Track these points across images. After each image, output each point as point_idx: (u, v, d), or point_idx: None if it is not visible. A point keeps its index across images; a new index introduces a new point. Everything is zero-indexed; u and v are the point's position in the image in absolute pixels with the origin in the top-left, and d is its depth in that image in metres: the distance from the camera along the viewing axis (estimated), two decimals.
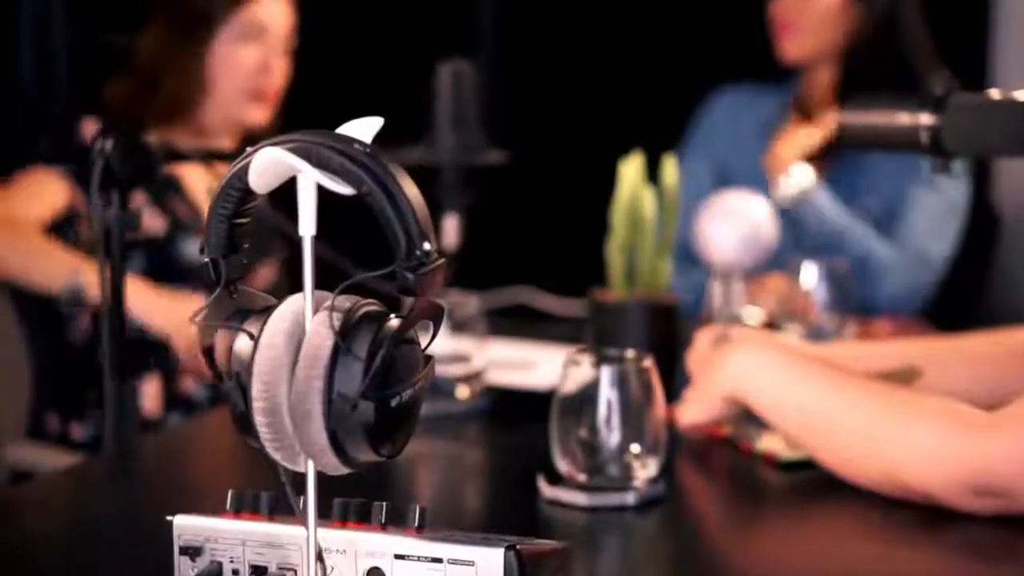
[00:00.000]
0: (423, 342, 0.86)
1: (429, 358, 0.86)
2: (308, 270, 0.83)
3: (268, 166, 0.81)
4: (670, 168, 1.65)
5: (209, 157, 1.46)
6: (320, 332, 0.81)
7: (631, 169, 1.62)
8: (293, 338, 0.82)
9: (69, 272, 1.95)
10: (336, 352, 0.81)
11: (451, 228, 1.73)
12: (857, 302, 1.98)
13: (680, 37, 3.01)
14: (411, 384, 0.83)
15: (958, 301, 2.36)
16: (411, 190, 0.81)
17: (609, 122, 2.94)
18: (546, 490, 1.21)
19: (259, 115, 2.22)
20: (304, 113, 2.19)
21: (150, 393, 2.19)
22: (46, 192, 2.14)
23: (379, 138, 0.83)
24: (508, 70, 3.12)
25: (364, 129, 0.86)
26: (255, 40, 2.19)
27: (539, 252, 2.83)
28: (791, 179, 2.25)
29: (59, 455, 2.13)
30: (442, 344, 1.56)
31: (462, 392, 1.56)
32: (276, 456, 0.83)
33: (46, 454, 2.13)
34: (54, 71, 2.76)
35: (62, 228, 2.15)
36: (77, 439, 2.22)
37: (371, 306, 0.84)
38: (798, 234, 2.32)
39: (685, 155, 2.49)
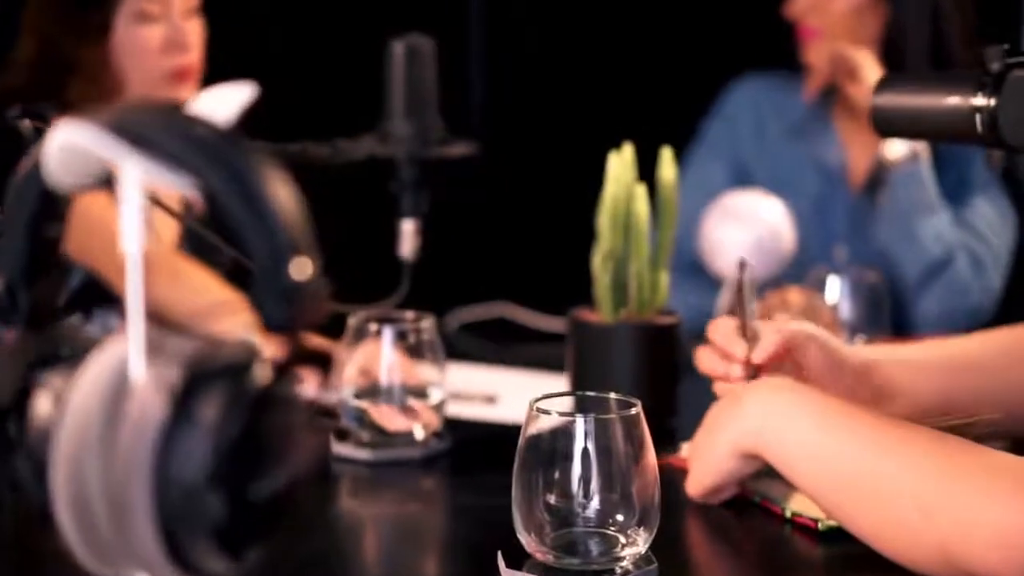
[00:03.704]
0: (305, 399, 0.63)
1: (314, 426, 0.64)
2: (133, 299, 0.60)
3: (71, 156, 0.59)
4: (667, 161, 1.43)
5: None
6: (151, 391, 0.59)
7: (620, 162, 1.40)
8: (114, 399, 0.60)
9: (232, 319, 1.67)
10: (174, 420, 0.58)
11: (408, 233, 1.51)
12: (890, 319, 1.77)
13: (686, 17, 2.79)
14: (282, 465, 0.60)
15: (1000, 320, 2.14)
16: (278, 188, 0.59)
17: (600, 109, 2.72)
18: (505, 574, 0.98)
19: (183, 97, 1.98)
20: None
21: None
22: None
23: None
24: (484, 47, 2.90)
25: (224, 102, 0.63)
26: (158, 14, 1.94)
27: (516, 261, 2.61)
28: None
29: None
30: (395, 374, 1.34)
31: (417, 432, 1.34)
32: (88, 564, 0.61)
33: None
34: None
35: None
36: None
37: (234, 349, 0.62)
38: (860, 231, 2.12)
39: (699, 153, 2.27)
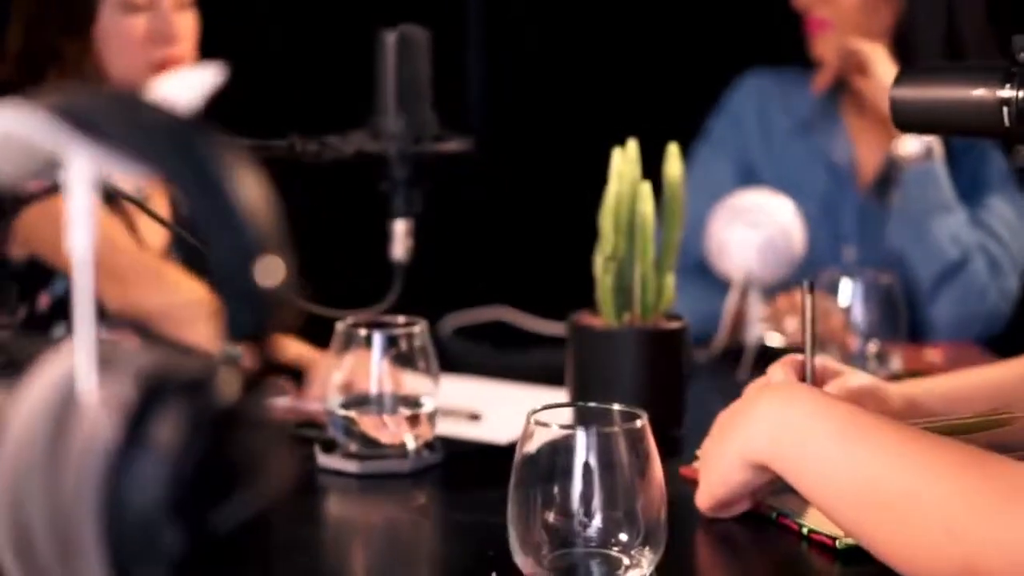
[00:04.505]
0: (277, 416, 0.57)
1: (289, 445, 0.58)
2: (82, 305, 0.54)
3: (12, 145, 0.53)
4: (674, 156, 1.37)
5: None
6: (101, 409, 0.53)
7: (624, 159, 1.34)
8: (60, 418, 0.54)
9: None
10: (127, 442, 0.53)
11: (400, 234, 1.45)
12: (906, 324, 1.71)
13: (692, 9, 2.74)
14: (250, 491, 0.55)
15: (1016, 324, 2.08)
16: (244, 180, 0.53)
17: (603, 104, 2.67)
18: None
19: None
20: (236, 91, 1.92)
21: None
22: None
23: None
24: (483, 39, 2.85)
25: (186, 87, 0.58)
26: (144, 4, 1.88)
27: (514, 263, 2.56)
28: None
29: None
30: (385, 383, 1.29)
31: (410, 443, 1.28)
32: None
33: None
34: None
35: None
36: None
37: (196, 362, 0.56)
38: (873, 231, 2.07)
39: (704, 151, 2.22)
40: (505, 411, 1.48)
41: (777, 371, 1.16)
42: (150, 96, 0.56)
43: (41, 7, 1.90)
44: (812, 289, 1.14)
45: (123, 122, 0.54)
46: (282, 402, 1.29)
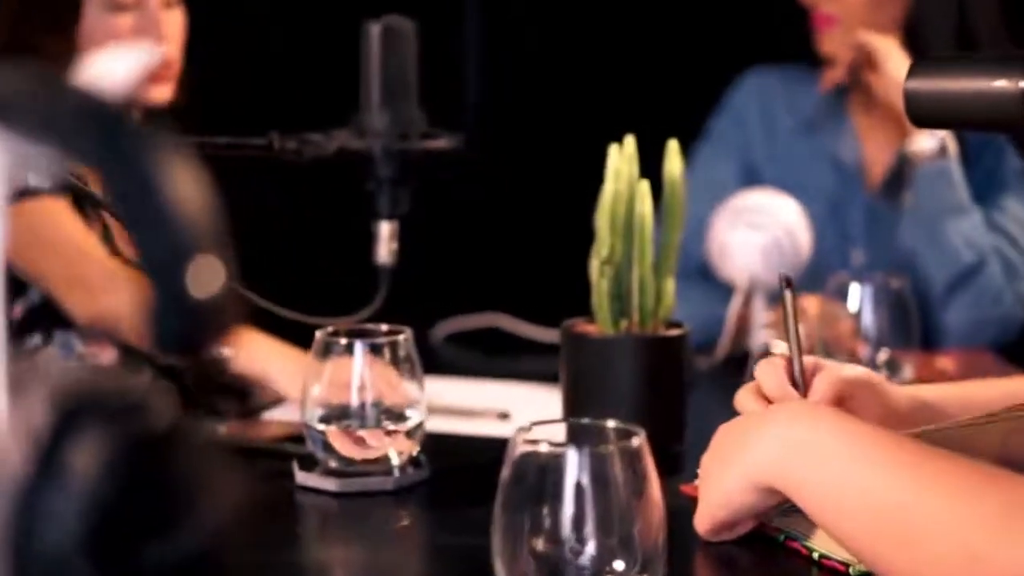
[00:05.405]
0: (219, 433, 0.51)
1: (236, 471, 0.52)
2: None
3: None
4: (674, 153, 1.31)
5: None
6: (10, 435, 0.47)
7: (621, 156, 1.28)
8: None
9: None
10: (39, 473, 0.46)
11: (385, 236, 1.39)
12: (919, 331, 1.65)
13: (695, 5, 2.69)
14: (186, 527, 0.48)
15: None
16: (177, 172, 0.47)
17: (601, 103, 2.62)
18: None
19: (155, 93, 1.85)
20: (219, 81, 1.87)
21: None
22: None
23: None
24: (480, 34, 2.80)
25: (116, 67, 0.51)
26: (131, 2, 1.82)
27: (508, 267, 2.50)
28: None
29: None
30: (366, 395, 1.22)
31: (393, 458, 1.21)
32: None
33: None
34: None
35: None
36: None
37: (121, 379, 0.49)
38: (883, 233, 2.01)
39: (705, 151, 2.17)
40: (531, 411, 1.44)
41: (765, 372, 1.09)
42: (75, 79, 0.50)
43: (24, 2, 1.85)
44: (790, 283, 1.09)
45: (42, 107, 0.48)
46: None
